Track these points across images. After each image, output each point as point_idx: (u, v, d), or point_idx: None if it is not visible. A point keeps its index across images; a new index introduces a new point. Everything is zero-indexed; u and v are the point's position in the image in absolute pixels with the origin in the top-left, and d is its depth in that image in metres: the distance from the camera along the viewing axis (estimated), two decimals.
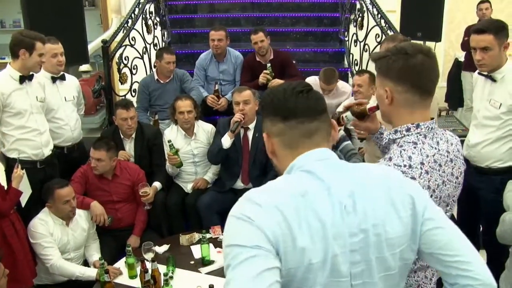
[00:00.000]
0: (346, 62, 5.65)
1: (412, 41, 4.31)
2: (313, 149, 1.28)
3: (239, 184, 3.98)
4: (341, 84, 4.67)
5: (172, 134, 4.08)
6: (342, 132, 3.81)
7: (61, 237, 3.28)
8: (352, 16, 5.45)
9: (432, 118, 1.67)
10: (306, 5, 6.37)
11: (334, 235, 1.15)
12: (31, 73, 3.39)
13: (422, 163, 1.55)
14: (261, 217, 1.12)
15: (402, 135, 1.63)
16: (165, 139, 4.05)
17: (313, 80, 4.58)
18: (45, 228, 3.22)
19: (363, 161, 3.87)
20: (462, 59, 6.80)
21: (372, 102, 2.04)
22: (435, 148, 1.61)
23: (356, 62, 5.23)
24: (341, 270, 1.16)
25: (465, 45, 6.29)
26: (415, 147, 1.58)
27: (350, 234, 1.17)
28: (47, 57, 3.59)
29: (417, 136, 1.61)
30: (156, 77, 4.61)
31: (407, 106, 1.62)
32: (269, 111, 1.33)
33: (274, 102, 1.31)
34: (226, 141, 3.78)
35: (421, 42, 3.51)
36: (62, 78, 3.84)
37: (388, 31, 4.50)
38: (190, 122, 3.98)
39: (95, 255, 3.47)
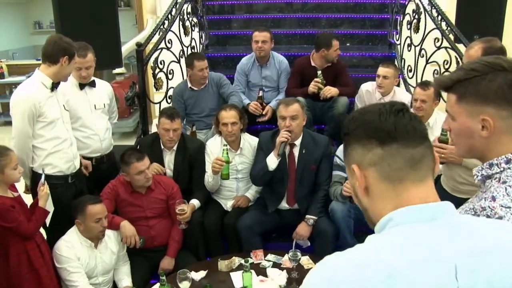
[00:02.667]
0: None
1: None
2: (417, 192, 1.01)
3: (283, 205, 3.62)
4: (398, 90, 4.31)
5: (215, 146, 3.75)
6: None
7: (88, 261, 3.00)
8: (406, 18, 5.02)
9: None
10: (351, 5, 6.04)
11: None
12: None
13: None
14: None
15: (502, 169, 1.32)
16: (207, 150, 3.76)
17: (370, 86, 4.24)
18: (71, 251, 2.94)
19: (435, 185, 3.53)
20: None
21: None
22: None
23: (410, 68, 4.82)
24: None
25: None
26: None
27: None
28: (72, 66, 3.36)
29: None
30: (189, 85, 4.30)
31: (510, 132, 1.32)
32: (360, 134, 1.06)
33: (368, 122, 1.05)
34: (272, 162, 3.41)
35: None
36: (92, 84, 3.58)
37: (450, 35, 4.08)
38: (235, 135, 3.65)
39: (125, 279, 3.21)
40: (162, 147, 3.74)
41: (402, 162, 1.01)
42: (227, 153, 3.52)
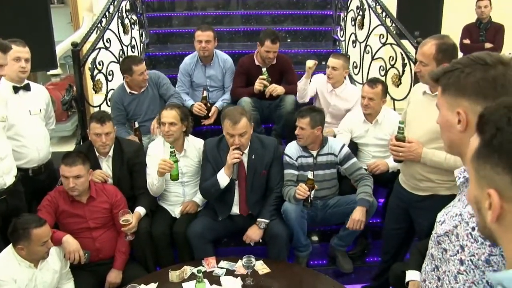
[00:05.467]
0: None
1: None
2: None
3: (235, 211, 3.49)
4: (350, 85, 4.34)
5: (157, 148, 3.56)
6: (347, 149, 3.47)
7: (27, 282, 2.74)
8: (350, 14, 5.02)
9: None
10: (293, 2, 6.06)
11: None
12: None
13: None
14: None
15: None
16: (150, 152, 3.57)
17: (321, 78, 4.27)
18: (6, 273, 2.66)
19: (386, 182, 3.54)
20: None
21: None
22: None
23: (355, 64, 4.82)
24: None
25: (464, 47, 5.96)
26: None
27: None
28: (8, 60, 3.06)
29: None
30: (128, 90, 4.07)
31: None
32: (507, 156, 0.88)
33: None
34: (223, 180, 3.27)
35: None
36: (27, 88, 3.30)
37: (395, 32, 4.10)
38: (173, 136, 3.45)
39: None
40: (98, 154, 3.52)
41: None
42: (175, 155, 3.35)
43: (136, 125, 3.99)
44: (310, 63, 4.08)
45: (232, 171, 3.21)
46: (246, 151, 3.37)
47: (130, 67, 3.91)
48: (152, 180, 3.45)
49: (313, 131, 3.39)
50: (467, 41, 6.13)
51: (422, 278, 1.59)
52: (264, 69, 4.14)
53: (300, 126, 3.41)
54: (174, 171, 3.35)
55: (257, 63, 4.32)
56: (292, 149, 3.52)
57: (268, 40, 4.12)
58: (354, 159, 3.50)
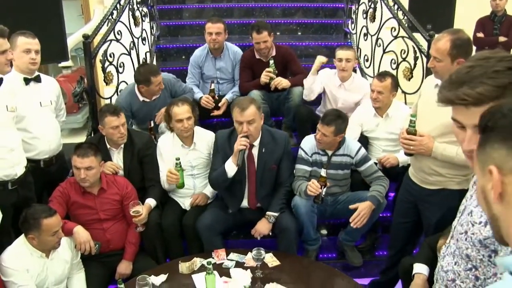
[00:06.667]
0: None
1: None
2: None
3: (244, 204, 3.49)
4: (357, 76, 4.28)
5: (167, 143, 3.57)
6: (364, 151, 3.43)
7: (39, 272, 2.77)
8: (362, 7, 4.98)
9: None
10: None
11: None
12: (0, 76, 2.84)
13: None
14: None
15: None
16: (160, 150, 3.57)
17: (328, 71, 4.20)
18: (19, 262, 2.70)
19: (397, 178, 3.52)
20: None
21: None
22: None
23: (366, 57, 4.79)
24: None
25: (477, 41, 5.89)
26: None
27: None
28: (18, 52, 3.10)
29: None
30: (141, 98, 3.98)
31: None
32: (507, 134, 0.92)
33: None
34: (231, 169, 3.25)
35: None
36: (37, 79, 3.31)
37: (407, 25, 4.07)
38: (191, 129, 3.47)
39: None
40: (108, 146, 3.53)
41: None
42: (180, 166, 3.37)
43: (152, 124, 3.98)
44: (323, 59, 4.00)
45: (238, 159, 3.20)
46: (257, 144, 3.36)
47: (148, 78, 3.80)
48: (163, 182, 3.53)
49: (335, 138, 3.34)
50: (480, 35, 6.06)
51: (450, 278, 1.57)
52: (271, 62, 4.12)
53: (323, 132, 3.31)
54: (180, 180, 3.41)
55: (257, 56, 4.30)
56: (308, 144, 3.49)
57: (253, 31, 4.15)
58: (371, 162, 3.46)
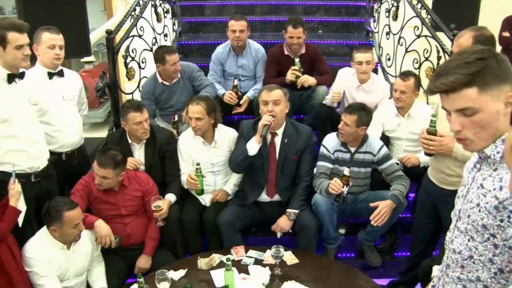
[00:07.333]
0: (375, 56, 5.13)
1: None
2: None
3: (263, 197, 3.50)
4: (376, 77, 4.22)
5: (188, 139, 3.59)
6: (385, 149, 3.41)
7: (61, 264, 2.81)
8: (384, 6, 4.94)
9: None
10: None
11: None
12: (21, 70, 2.88)
13: None
14: None
15: None
16: (180, 147, 3.60)
17: (349, 71, 4.16)
18: (41, 254, 2.74)
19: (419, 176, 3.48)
20: None
21: None
22: None
23: (388, 57, 4.75)
24: None
25: (503, 40, 5.80)
26: None
27: None
28: (43, 47, 3.15)
29: None
30: (160, 80, 4.06)
31: None
32: None
33: None
34: (253, 146, 3.28)
35: None
36: (61, 74, 3.35)
37: (430, 24, 4.02)
38: (201, 130, 3.47)
39: (100, 281, 3.04)
40: (130, 141, 3.55)
41: None
42: (200, 172, 3.38)
43: (176, 118, 3.99)
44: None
45: (261, 132, 3.24)
46: (280, 133, 3.40)
47: (163, 56, 3.91)
48: (183, 182, 3.56)
49: (356, 130, 3.34)
50: (506, 34, 5.96)
51: (466, 256, 1.55)
52: (297, 60, 4.12)
53: (345, 121, 3.35)
54: (200, 186, 3.42)
55: (286, 52, 4.30)
56: (330, 142, 3.49)
57: (289, 25, 4.15)
58: (392, 160, 3.44)
